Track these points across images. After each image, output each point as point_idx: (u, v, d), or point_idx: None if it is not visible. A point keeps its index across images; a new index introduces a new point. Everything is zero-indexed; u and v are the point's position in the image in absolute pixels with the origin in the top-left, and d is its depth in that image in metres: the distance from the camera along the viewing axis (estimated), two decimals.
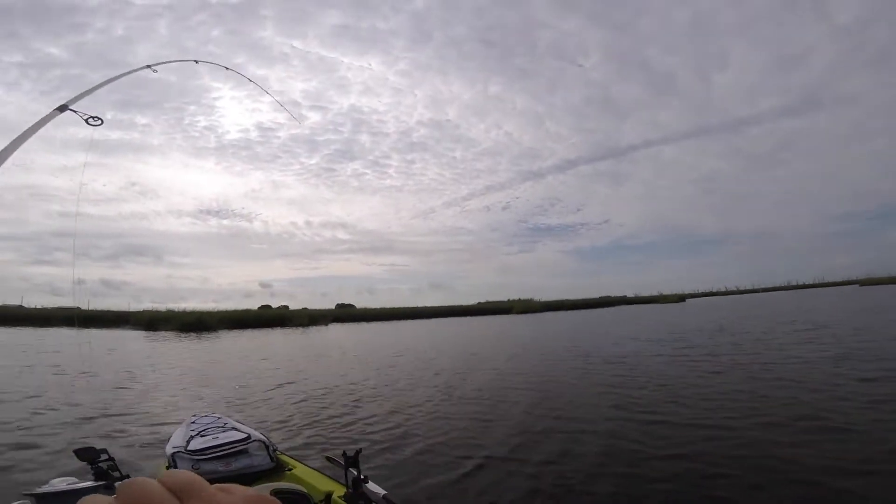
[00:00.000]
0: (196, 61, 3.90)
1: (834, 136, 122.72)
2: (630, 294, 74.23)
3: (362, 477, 1.85)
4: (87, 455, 1.60)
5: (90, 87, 2.33)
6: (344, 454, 1.88)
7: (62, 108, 1.31)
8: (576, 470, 3.76)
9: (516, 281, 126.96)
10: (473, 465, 3.94)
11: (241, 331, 27.32)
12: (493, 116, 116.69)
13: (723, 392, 6.15)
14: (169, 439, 2.52)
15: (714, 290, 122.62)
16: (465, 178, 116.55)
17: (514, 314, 45.31)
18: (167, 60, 3.36)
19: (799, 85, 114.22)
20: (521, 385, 7.46)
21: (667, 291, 75.89)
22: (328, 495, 1.83)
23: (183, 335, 23.52)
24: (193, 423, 2.73)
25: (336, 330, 30.37)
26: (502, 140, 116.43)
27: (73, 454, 1.62)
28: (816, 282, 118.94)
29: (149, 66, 3.00)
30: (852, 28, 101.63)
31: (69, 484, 1.88)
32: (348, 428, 5.33)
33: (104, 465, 1.59)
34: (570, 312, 44.94)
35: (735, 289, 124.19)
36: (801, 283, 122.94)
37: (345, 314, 44.99)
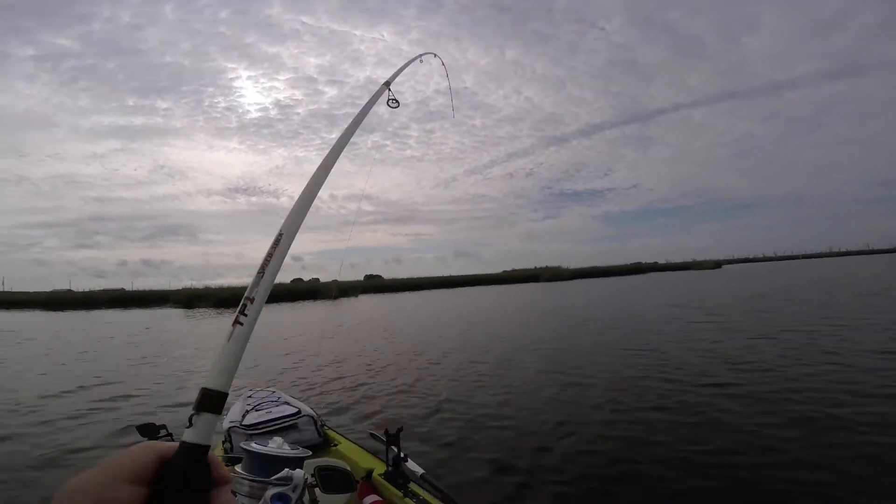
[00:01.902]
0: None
1: (878, 101, 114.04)
2: (661, 260, 72.07)
3: (402, 455, 1.87)
4: (148, 431, 1.62)
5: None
6: (386, 431, 1.91)
7: (387, 84, 1.20)
8: (647, 473, 3.19)
9: (543, 247, 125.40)
10: (520, 449, 3.64)
11: (275, 304, 27.81)
12: (512, 82, 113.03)
13: None
14: (226, 413, 2.57)
15: (751, 257, 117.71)
16: (485, 145, 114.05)
17: (543, 282, 44.58)
18: None
19: (840, 49, 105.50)
20: (577, 369, 6.81)
21: (700, 257, 73.38)
22: (369, 472, 1.85)
23: (220, 311, 24.05)
24: (250, 396, 2.79)
25: (366, 301, 30.58)
26: (523, 106, 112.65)
27: (135, 430, 1.63)
28: (861, 248, 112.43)
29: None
30: None
31: (278, 447, 1.72)
32: (392, 402, 5.21)
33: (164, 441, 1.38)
34: (601, 280, 43.83)
35: (773, 255, 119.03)
36: (843, 249, 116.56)
37: (373, 285, 45.47)
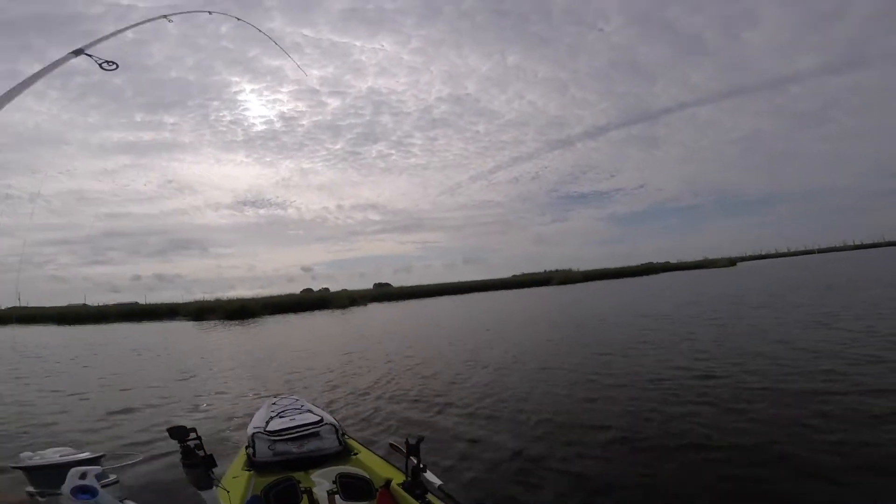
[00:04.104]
0: (210, 12, 3.66)
1: (886, 91, 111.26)
2: (673, 260, 70.67)
3: (422, 466, 1.85)
4: (178, 434, 1.61)
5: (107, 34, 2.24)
6: (406, 442, 1.89)
7: (77, 52, 1.23)
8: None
9: (552, 251, 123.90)
10: (542, 461, 3.39)
11: (284, 315, 27.69)
12: (515, 87, 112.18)
13: None
14: (251, 419, 2.65)
15: (765, 253, 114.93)
16: (489, 150, 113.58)
17: (554, 286, 43.94)
18: (183, 11, 3.28)
19: (841, 41, 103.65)
20: (603, 375, 6.40)
21: (713, 256, 71.27)
22: (388, 482, 1.84)
23: (228, 323, 23.94)
24: (274, 403, 2.84)
25: (376, 309, 30.32)
26: (526, 110, 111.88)
27: (166, 432, 1.65)
28: (876, 241, 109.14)
29: (165, 17, 2.96)
30: None
31: (62, 455, 1.97)
32: (411, 412, 5.06)
33: (191, 444, 1.60)
34: (613, 281, 43.07)
35: (787, 250, 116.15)
36: (858, 242, 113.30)
37: (382, 293, 45.21)
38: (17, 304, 45.42)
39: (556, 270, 52.92)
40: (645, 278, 44.21)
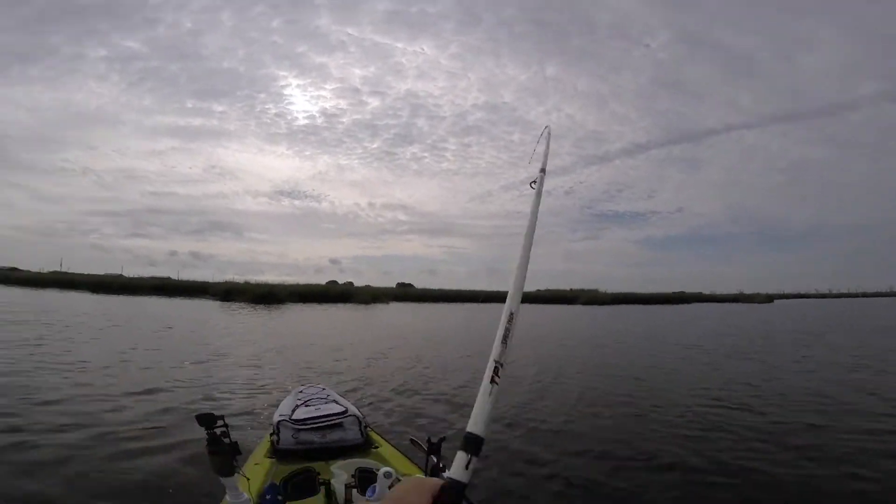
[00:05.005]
0: None
1: None
2: (706, 290, 67.81)
3: (441, 465, 1.81)
4: (206, 421, 1.58)
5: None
6: (429, 440, 1.87)
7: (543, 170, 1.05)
8: None
9: (580, 269, 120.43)
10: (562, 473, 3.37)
11: (308, 304, 27.73)
12: (553, 98, 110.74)
13: None
14: (278, 406, 2.66)
15: (804, 292, 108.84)
16: (523, 161, 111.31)
17: (580, 304, 42.67)
18: None
19: None
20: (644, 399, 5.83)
21: (748, 290, 67.84)
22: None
23: (255, 306, 24.03)
24: (301, 392, 2.83)
25: (398, 308, 30.04)
26: (564, 122, 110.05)
27: (194, 419, 1.59)
28: None
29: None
30: None
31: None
32: (434, 409, 4.96)
33: (218, 432, 1.58)
34: (642, 307, 41.49)
35: (828, 291, 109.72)
36: None
37: (405, 293, 44.98)
38: (59, 269, 47.79)
39: (583, 290, 51.45)
40: (677, 307, 42.45)
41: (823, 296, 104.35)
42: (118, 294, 29.58)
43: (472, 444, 0.50)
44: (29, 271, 44.61)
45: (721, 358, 9.21)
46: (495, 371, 0.56)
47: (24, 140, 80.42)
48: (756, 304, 49.01)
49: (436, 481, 0.47)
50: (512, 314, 0.63)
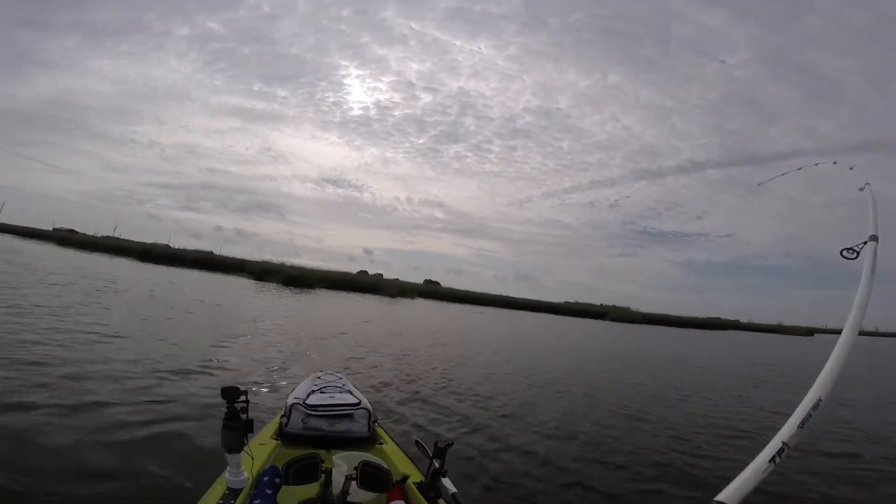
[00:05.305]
0: None
1: None
2: (743, 320, 64.38)
3: (442, 471, 1.82)
4: (229, 394, 1.58)
5: None
6: (435, 444, 1.86)
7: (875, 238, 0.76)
8: None
9: (611, 286, 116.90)
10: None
11: (336, 292, 28.28)
12: (611, 108, 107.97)
13: None
14: (294, 389, 2.66)
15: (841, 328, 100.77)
16: (569, 170, 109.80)
17: (608, 321, 41.53)
18: None
19: None
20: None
21: (787, 321, 63.88)
22: (404, 478, 1.81)
23: (285, 289, 24.72)
24: (318, 378, 2.82)
25: (423, 305, 30.14)
26: (619, 133, 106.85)
27: (220, 390, 1.60)
28: None
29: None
30: None
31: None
32: (446, 414, 4.82)
33: (238, 406, 1.59)
34: (675, 329, 39.93)
35: (874, 330, 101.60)
36: None
37: (430, 290, 45.11)
38: (112, 235, 50.85)
39: (614, 306, 50.02)
40: (715, 333, 40.59)
41: (870, 333, 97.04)
42: (162, 264, 31.11)
43: None
44: (85, 234, 47.63)
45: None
46: (779, 452, 0.52)
47: (103, 111, 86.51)
48: (797, 337, 46.26)
49: None
50: (820, 401, 0.57)
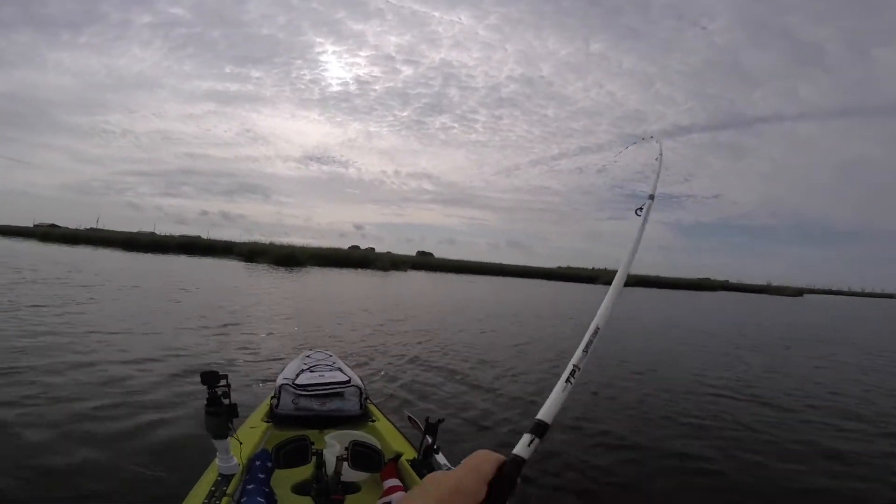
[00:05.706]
0: None
1: None
2: (733, 279, 65.52)
3: (435, 447, 1.85)
4: (209, 379, 1.55)
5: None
6: (427, 420, 1.88)
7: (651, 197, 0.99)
8: None
9: (602, 249, 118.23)
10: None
11: (328, 268, 28.13)
12: (594, 75, 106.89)
13: None
14: (283, 369, 2.62)
15: (836, 289, 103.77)
16: (556, 137, 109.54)
17: (600, 284, 41.99)
18: None
19: None
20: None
21: (777, 282, 65.09)
22: (397, 455, 1.84)
23: (275, 268, 24.49)
24: (308, 357, 2.83)
25: (416, 277, 30.15)
26: (603, 100, 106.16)
27: (199, 375, 1.57)
28: None
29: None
30: None
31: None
32: (439, 389, 4.70)
33: (219, 391, 1.55)
34: (665, 291, 40.56)
35: (861, 290, 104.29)
36: None
37: (423, 262, 45.19)
38: (95, 227, 49.81)
39: (605, 269, 50.45)
40: (702, 294, 41.29)
41: (856, 294, 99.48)
42: (148, 252, 30.59)
43: (540, 428, 0.59)
44: (67, 228, 46.58)
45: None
46: (572, 373, 0.65)
47: (68, 104, 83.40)
48: (783, 297, 47.27)
49: (500, 456, 0.54)
50: (598, 329, 0.71)
